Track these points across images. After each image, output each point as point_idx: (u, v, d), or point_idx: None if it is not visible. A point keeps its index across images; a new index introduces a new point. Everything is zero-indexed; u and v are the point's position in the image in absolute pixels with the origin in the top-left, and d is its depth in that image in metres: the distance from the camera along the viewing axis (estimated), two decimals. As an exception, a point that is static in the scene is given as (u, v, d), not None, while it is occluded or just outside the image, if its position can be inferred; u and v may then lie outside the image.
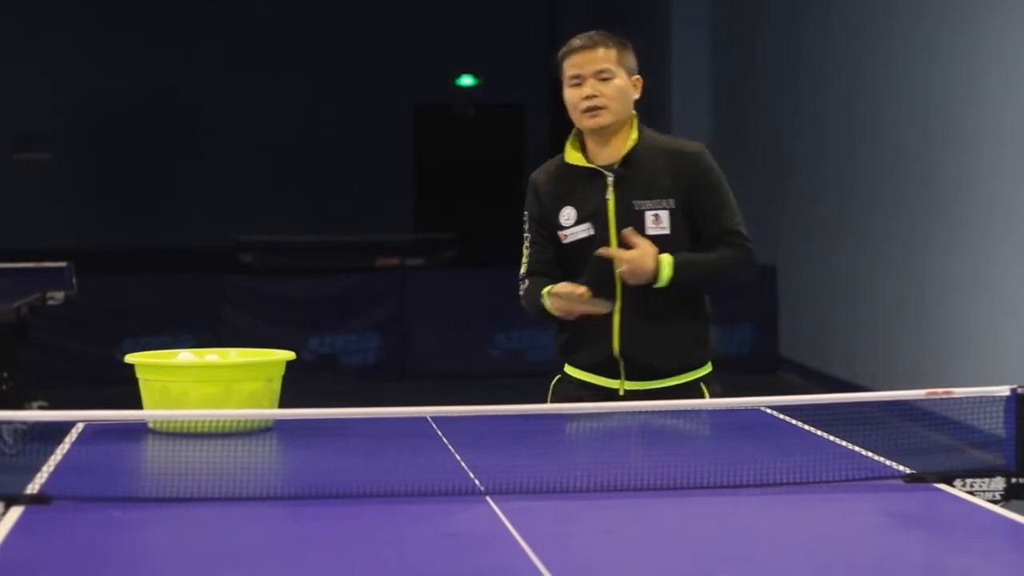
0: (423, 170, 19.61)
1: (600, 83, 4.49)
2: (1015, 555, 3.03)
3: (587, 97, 4.50)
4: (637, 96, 4.55)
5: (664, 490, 3.40)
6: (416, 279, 13.19)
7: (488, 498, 3.32)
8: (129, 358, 4.28)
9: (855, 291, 11.48)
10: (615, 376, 4.54)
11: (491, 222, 19.26)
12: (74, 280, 9.12)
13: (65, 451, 3.84)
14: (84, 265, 9.76)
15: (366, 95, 19.24)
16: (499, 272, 13.53)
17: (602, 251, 4.43)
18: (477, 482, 3.46)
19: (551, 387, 4.69)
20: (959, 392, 3.68)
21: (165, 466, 3.82)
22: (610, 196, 4.50)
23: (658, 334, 4.49)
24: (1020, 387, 3.57)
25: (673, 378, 4.52)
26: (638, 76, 4.56)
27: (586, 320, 4.49)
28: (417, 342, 12.42)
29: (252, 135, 19.26)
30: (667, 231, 4.46)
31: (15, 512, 3.17)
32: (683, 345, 4.52)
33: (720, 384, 4.63)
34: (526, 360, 12.28)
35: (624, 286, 4.47)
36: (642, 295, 4.46)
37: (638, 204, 4.47)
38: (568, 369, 4.66)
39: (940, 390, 3.66)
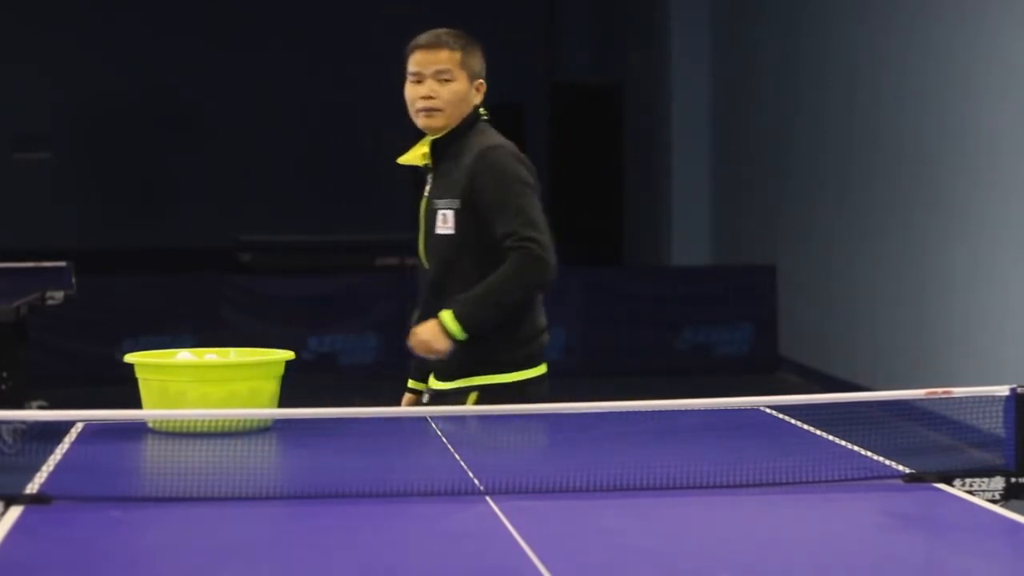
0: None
1: (438, 84, 4.51)
2: (1015, 555, 3.03)
3: (423, 97, 4.51)
4: (478, 100, 4.56)
5: (664, 490, 3.40)
6: (415, 279, 13.15)
7: (488, 498, 3.32)
8: (128, 358, 4.28)
9: (855, 291, 11.48)
10: (425, 379, 4.58)
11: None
12: (74, 280, 9.12)
13: (65, 451, 3.84)
14: (84, 265, 9.76)
15: (365, 94, 19.23)
16: (498, 272, 13.61)
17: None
18: (477, 482, 3.46)
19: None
20: (959, 392, 3.68)
21: (165, 466, 3.82)
22: (425, 194, 4.60)
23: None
24: (1020, 387, 3.57)
25: (457, 380, 4.46)
26: (481, 80, 4.57)
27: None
28: (416, 342, 12.41)
29: (252, 135, 19.25)
30: (452, 231, 4.50)
31: (15, 512, 3.17)
32: (465, 343, 4.42)
33: (496, 398, 4.43)
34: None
35: (424, 280, 4.57)
36: (435, 291, 4.50)
37: (435, 203, 4.55)
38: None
39: (940, 390, 3.66)
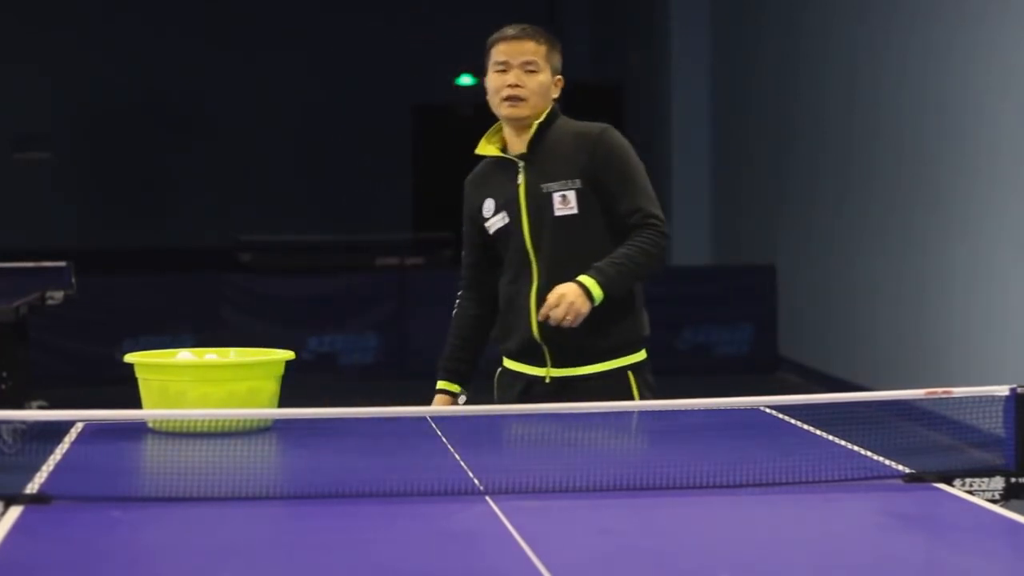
0: (422, 170, 19.60)
1: (525, 75, 4.56)
2: (1015, 555, 3.03)
3: (510, 85, 4.54)
4: (556, 96, 4.61)
5: (664, 490, 3.40)
6: (415, 279, 13.18)
7: (488, 498, 3.32)
8: (128, 358, 4.28)
9: (854, 291, 11.48)
10: (541, 363, 4.56)
11: (490, 222, 19.29)
12: (73, 280, 9.11)
13: (64, 451, 3.84)
14: (84, 265, 9.75)
15: (365, 94, 19.24)
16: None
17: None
18: (477, 482, 3.46)
19: (495, 380, 4.71)
20: (959, 392, 3.68)
21: (164, 466, 3.82)
22: (520, 182, 4.57)
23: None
24: (1020, 387, 3.57)
25: (602, 363, 4.52)
26: (560, 76, 4.64)
27: (510, 305, 4.57)
28: (416, 342, 12.41)
29: (252, 135, 19.25)
30: (575, 211, 4.51)
31: (14, 511, 3.17)
32: (606, 324, 4.49)
33: (652, 376, 4.61)
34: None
35: (540, 264, 4.52)
36: (557, 271, 4.47)
37: (545, 187, 4.53)
38: (504, 359, 4.68)
39: (940, 390, 3.66)
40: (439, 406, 4.65)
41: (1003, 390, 3.58)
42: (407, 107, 19.46)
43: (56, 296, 8.78)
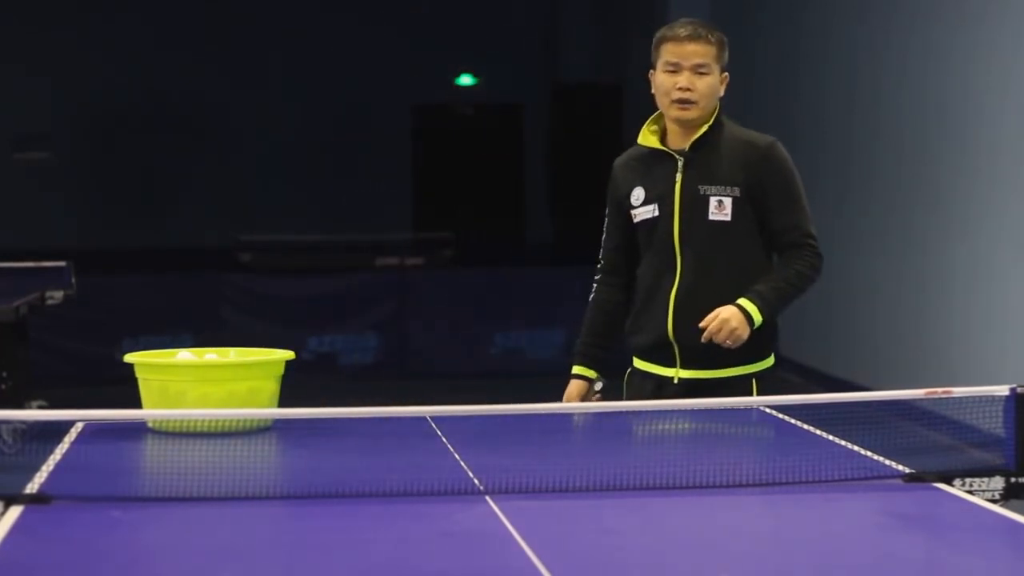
0: (422, 170, 19.59)
1: (696, 77, 4.53)
2: (1014, 555, 3.03)
3: (682, 88, 4.52)
4: (723, 92, 4.60)
5: (664, 490, 3.40)
6: (415, 279, 13.18)
7: (488, 498, 3.32)
8: (128, 358, 4.28)
9: (854, 291, 11.47)
10: (671, 363, 4.56)
11: (490, 222, 19.27)
12: (73, 280, 9.12)
13: (64, 451, 3.84)
14: (83, 265, 9.75)
15: (365, 94, 19.23)
16: (498, 271, 13.60)
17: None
18: (477, 482, 3.46)
19: (624, 381, 4.72)
20: (959, 392, 3.68)
21: (164, 466, 3.82)
22: (678, 179, 4.56)
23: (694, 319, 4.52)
24: (1020, 387, 3.57)
25: (730, 369, 4.53)
26: (727, 74, 4.61)
27: (648, 300, 4.59)
28: (416, 342, 12.42)
29: (252, 135, 19.24)
30: (728, 218, 4.52)
31: (14, 511, 3.17)
32: None
33: (777, 383, 4.61)
34: (525, 360, 12.28)
35: (684, 263, 4.53)
36: (702, 273, 4.50)
37: (704, 189, 4.53)
38: (634, 359, 4.69)
39: (940, 390, 3.66)
40: (573, 393, 4.67)
41: (1003, 390, 3.58)
42: (407, 107, 19.46)
43: (56, 296, 8.79)
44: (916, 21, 10.46)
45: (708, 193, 4.51)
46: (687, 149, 4.55)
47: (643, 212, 4.61)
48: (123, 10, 18.90)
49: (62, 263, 9.33)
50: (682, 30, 4.57)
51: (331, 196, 19.34)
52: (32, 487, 3.35)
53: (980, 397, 3.67)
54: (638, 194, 4.63)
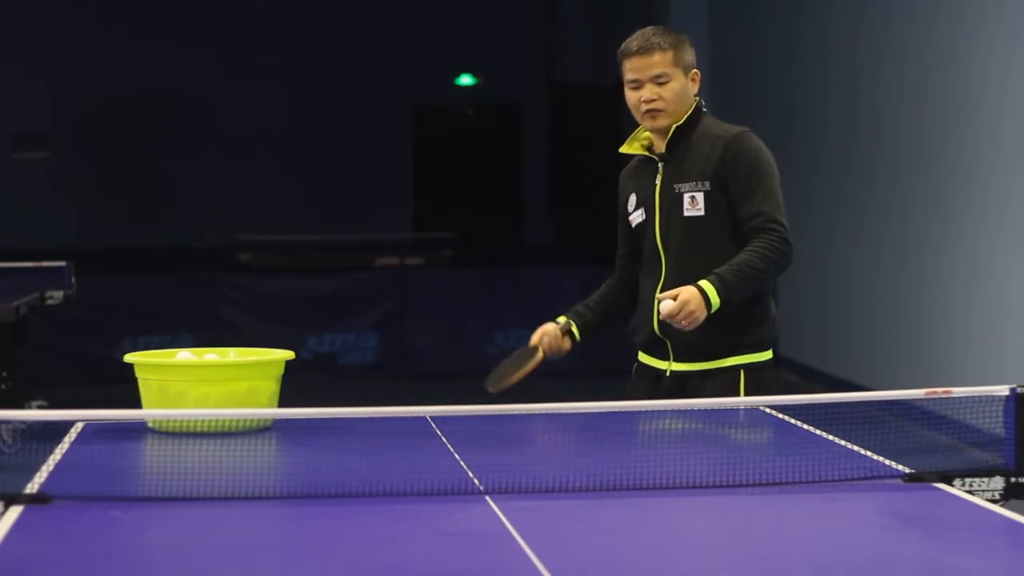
0: (422, 169, 19.60)
1: (658, 87, 4.59)
2: (1014, 555, 3.03)
3: (646, 100, 4.58)
4: (696, 89, 4.64)
5: (664, 490, 3.40)
6: (415, 278, 13.18)
7: (487, 498, 3.32)
8: (128, 357, 4.28)
9: (854, 290, 11.48)
10: (665, 357, 4.65)
11: (489, 222, 19.28)
12: (73, 279, 9.12)
13: (64, 450, 3.84)
14: (83, 264, 9.75)
15: (365, 94, 19.24)
16: (498, 271, 13.60)
17: (660, 314, 4.46)
18: (476, 482, 3.46)
19: (632, 372, 4.83)
20: (959, 392, 3.68)
21: (164, 465, 3.82)
22: (658, 181, 4.64)
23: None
24: (1020, 387, 3.57)
25: (717, 361, 4.57)
26: (696, 70, 4.66)
27: (641, 300, 4.69)
28: (416, 341, 12.42)
29: (251, 134, 19.25)
30: (702, 212, 4.58)
31: (14, 511, 3.17)
32: (726, 322, 4.51)
33: (773, 377, 4.63)
34: (525, 359, 12.26)
35: (667, 262, 4.61)
36: (682, 270, 4.55)
37: (678, 187, 4.61)
38: (638, 352, 4.79)
39: (940, 390, 3.66)
40: (544, 329, 4.92)
41: (1003, 390, 3.59)
42: (407, 107, 19.47)
43: (56, 296, 8.79)
44: (916, 21, 10.46)
45: (682, 190, 4.59)
46: (664, 151, 4.63)
47: (636, 217, 4.73)
48: (123, 10, 18.91)
49: (62, 263, 9.33)
50: (634, 43, 4.64)
51: (331, 196, 19.34)
52: (32, 487, 3.35)
53: (980, 397, 3.67)
54: (632, 200, 4.75)
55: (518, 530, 3.06)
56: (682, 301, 4.40)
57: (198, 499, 3.30)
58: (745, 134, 4.60)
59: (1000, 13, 9.25)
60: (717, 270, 4.45)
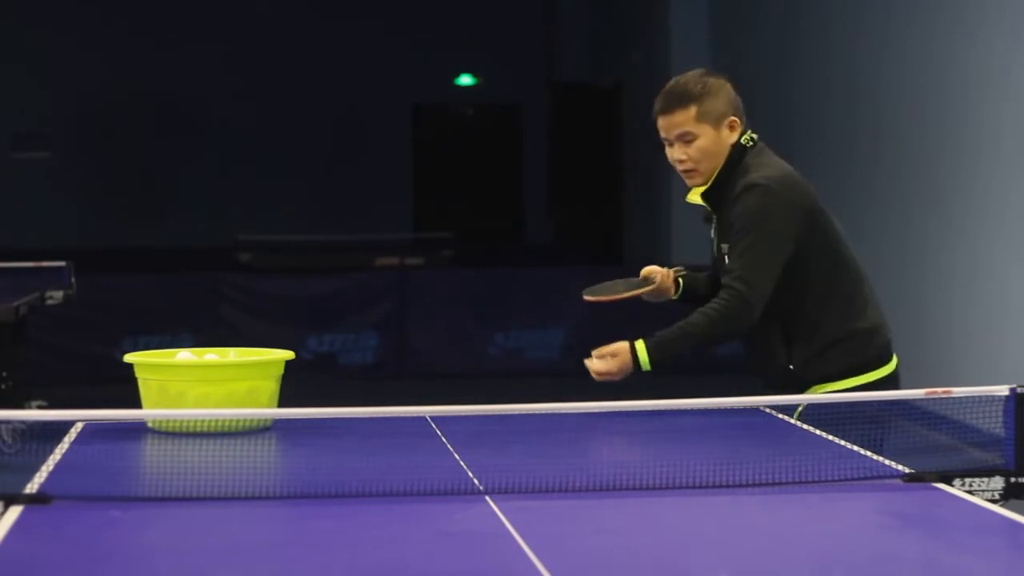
0: (422, 169, 19.60)
1: (684, 146, 4.42)
2: (1014, 555, 3.03)
3: (678, 160, 4.44)
4: (733, 138, 4.44)
5: (664, 490, 3.40)
6: (415, 278, 13.18)
7: (487, 498, 3.32)
8: (128, 357, 4.27)
9: (854, 291, 11.46)
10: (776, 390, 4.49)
11: (489, 222, 19.28)
12: (73, 279, 9.12)
13: (64, 450, 3.84)
14: (83, 264, 9.75)
15: (365, 94, 19.24)
16: (498, 271, 13.61)
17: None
18: (476, 482, 3.46)
19: None
20: (959, 392, 3.68)
21: (164, 465, 3.82)
22: (713, 235, 4.55)
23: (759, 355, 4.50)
24: (1020, 387, 3.57)
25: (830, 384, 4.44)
26: (733, 118, 4.45)
27: None
28: (416, 341, 12.42)
29: (251, 134, 19.25)
30: None
31: (14, 511, 3.17)
32: (816, 352, 4.42)
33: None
34: (524, 359, 12.28)
35: None
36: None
37: (722, 247, 4.48)
38: None
39: (940, 390, 3.66)
40: (658, 268, 4.69)
41: (1003, 390, 3.59)
42: (407, 107, 19.47)
43: (56, 296, 8.79)
44: (916, 21, 10.46)
45: (724, 251, 4.47)
46: (708, 205, 4.50)
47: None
48: (123, 9, 18.90)
49: (62, 263, 9.33)
50: (660, 101, 4.45)
51: (331, 196, 19.34)
52: (32, 487, 3.35)
53: (980, 397, 3.67)
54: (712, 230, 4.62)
55: (518, 530, 3.06)
56: (606, 368, 4.30)
57: (198, 499, 3.30)
58: (751, 189, 4.38)
59: (1000, 13, 9.25)
60: (658, 332, 4.32)
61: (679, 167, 4.44)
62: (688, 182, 4.48)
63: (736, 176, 4.42)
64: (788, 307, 4.42)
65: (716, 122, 4.42)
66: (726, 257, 4.43)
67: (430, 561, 2.89)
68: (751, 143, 4.48)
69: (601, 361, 4.34)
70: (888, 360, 4.60)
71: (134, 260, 15.82)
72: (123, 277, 12.93)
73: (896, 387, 4.55)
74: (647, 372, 4.31)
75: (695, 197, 4.52)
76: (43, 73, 18.78)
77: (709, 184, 4.44)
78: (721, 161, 4.43)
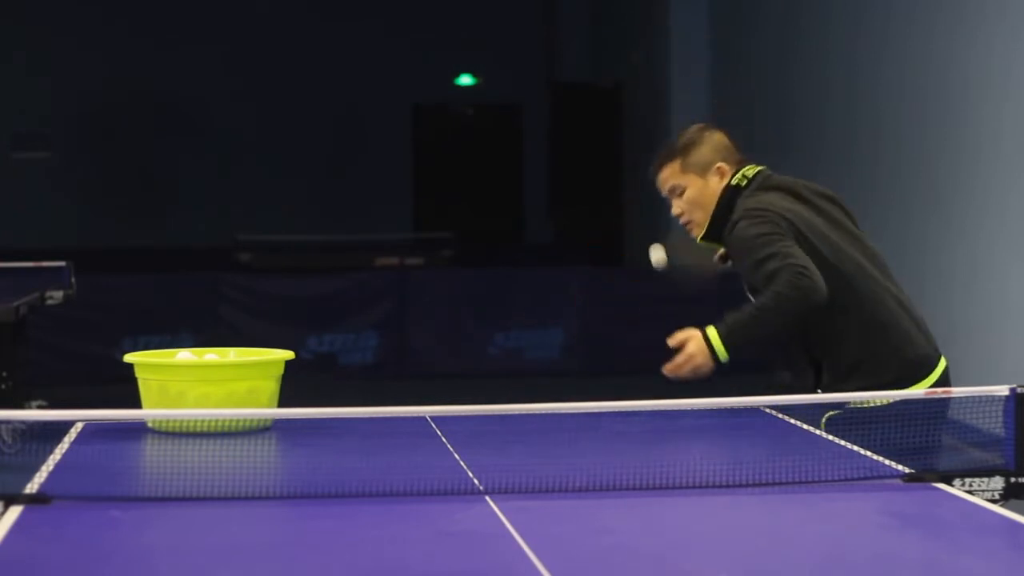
0: (422, 169, 19.60)
1: (677, 199, 4.54)
2: (1014, 555, 3.03)
3: (676, 215, 4.58)
4: (724, 182, 4.48)
5: (664, 490, 3.40)
6: (415, 278, 13.18)
7: (487, 497, 3.32)
8: (128, 357, 4.28)
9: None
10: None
11: (489, 222, 19.28)
12: (73, 279, 9.12)
13: (64, 450, 3.84)
14: (83, 264, 9.75)
15: (365, 94, 19.24)
16: (498, 271, 13.61)
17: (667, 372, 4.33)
18: (476, 481, 3.46)
19: None
20: (959, 392, 3.68)
21: (164, 465, 3.82)
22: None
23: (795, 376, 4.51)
24: (1020, 387, 3.57)
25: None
26: (718, 164, 4.49)
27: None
28: (416, 341, 12.42)
29: (251, 134, 19.24)
30: None
31: (14, 511, 3.17)
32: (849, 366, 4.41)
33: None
34: (524, 359, 12.28)
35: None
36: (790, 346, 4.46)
37: (745, 285, 4.50)
38: None
39: (940, 390, 3.66)
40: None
41: (1003, 390, 3.59)
42: (407, 107, 19.46)
43: (56, 296, 8.79)
44: (916, 21, 10.46)
45: (746, 290, 4.48)
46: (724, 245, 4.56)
47: None
48: (123, 9, 18.90)
49: (62, 263, 9.33)
50: (653, 163, 4.58)
51: (331, 196, 19.34)
52: (32, 487, 3.35)
53: (980, 397, 3.67)
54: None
55: (518, 530, 3.06)
56: (688, 355, 4.25)
57: (198, 499, 3.30)
58: (734, 226, 4.40)
59: (1000, 13, 9.25)
60: (728, 318, 4.29)
61: (680, 221, 4.58)
62: (692, 235, 4.59)
63: (730, 222, 4.47)
64: (806, 332, 4.42)
65: (702, 171, 4.50)
66: (750, 296, 4.43)
67: (430, 561, 2.89)
68: (744, 181, 4.49)
69: (687, 357, 4.27)
70: (923, 375, 4.52)
71: (134, 260, 15.81)
72: (123, 277, 12.92)
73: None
74: (724, 363, 4.25)
75: (711, 243, 4.62)
76: (43, 73, 18.78)
77: (705, 230, 4.50)
78: (712, 207, 4.49)
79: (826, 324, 4.39)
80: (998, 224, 9.25)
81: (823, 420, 4.29)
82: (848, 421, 4.12)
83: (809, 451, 3.74)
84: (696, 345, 4.25)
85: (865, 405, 4.25)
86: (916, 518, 3.28)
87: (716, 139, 4.56)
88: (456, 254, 16.12)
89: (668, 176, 4.53)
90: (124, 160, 19.24)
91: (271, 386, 4.24)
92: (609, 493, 3.39)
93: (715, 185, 4.48)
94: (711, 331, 4.26)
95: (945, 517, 3.29)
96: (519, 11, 19.51)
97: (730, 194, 4.47)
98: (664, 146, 4.59)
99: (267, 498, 3.35)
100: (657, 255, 4.76)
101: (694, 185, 4.49)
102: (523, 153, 19.65)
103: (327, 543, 3.02)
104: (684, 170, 4.50)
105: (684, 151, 4.53)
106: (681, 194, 4.50)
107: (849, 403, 4.27)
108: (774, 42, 13.33)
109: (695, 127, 4.62)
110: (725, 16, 14.47)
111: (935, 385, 4.48)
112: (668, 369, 4.30)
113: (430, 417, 4.22)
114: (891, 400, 4.16)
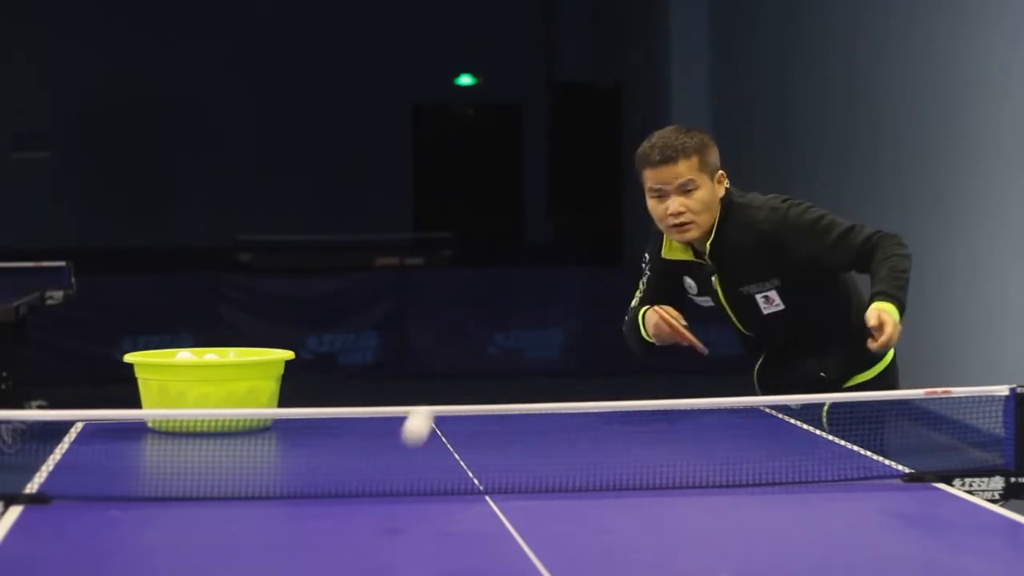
0: (422, 169, 19.60)
1: (684, 196, 4.33)
2: (1014, 555, 3.03)
3: (674, 214, 4.34)
4: (722, 192, 4.40)
5: (664, 490, 3.40)
6: (415, 278, 13.18)
7: (487, 497, 3.32)
8: (128, 357, 4.28)
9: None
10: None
11: (489, 222, 19.28)
12: (73, 279, 9.12)
13: (64, 450, 3.84)
14: (83, 264, 9.75)
15: (365, 94, 19.24)
16: (498, 271, 13.61)
17: (874, 347, 4.23)
18: (476, 481, 3.46)
19: None
20: (958, 392, 3.68)
21: (164, 466, 3.82)
22: (716, 284, 4.46)
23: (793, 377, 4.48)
24: (1019, 387, 3.57)
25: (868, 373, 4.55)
26: (721, 172, 4.41)
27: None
28: (416, 341, 12.42)
29: (251, 135, 19.25)
30: (782, 307, 4.41)
31: (14, 511, 3.17)
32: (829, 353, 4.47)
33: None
34: (524, 359, 12.28)
35: (772, 345, 4.51)
36: (787, 351, 4.48)
37: (745, 289, 4.42)
38: None
39: (940, 390, 3.66)
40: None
41: (1003, 390, 3.59)
42: (407, 107, 19.46)
43: (56, 296, 8.79)
44: (916, 21, 10.46)
45: (751, 292, 4.42)
46: (710, 257, 4.42)
47: (701, 300, 4.55)
48: (123, 9, 18.90)
49: (62, 263, 9.33)
50: (656, 154, 4.33)
51: (331, 196, 19.34)
52: (32, 487, 3.35)
53: (980, 397, 3.67)
54: (690, 283, 4.53)
55: (518, 530, 3.06)
56: (892, 332, 4.19)
57: (198, 499, 3.30)
58: (777, 211, 4.39)
59: (1000, 13, 9.25)
60: (881, 287, 4.24)
61: (674, 220, 4.33)
62: (678, 237, 4.39)
63: (735, 223, 4.39)
64: (820, 315, 4.45)
65: (712, 174, 4.38)
66: (757, 297, 4.41)
67: (430, 561, 2.89)
68: (730, 194, 4.45)
69: (894, 328, 4.21)
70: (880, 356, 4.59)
71: (134, 260, 15.81)
72: (123, 277, 12.92)
73: (896, 372, 4.65)
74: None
75: (678, 254, 4.46)
76: (43, 73, 18.77)
77: (712, 236, 4.38)
78: (715, 215, 4.38)
79: (840, 302, 4.51)
80: (998, 224, 9.24)
81: (824, 411, 4.30)
82: (850, 414, 4.10)
83: (809, 451, 3.74)
84: (893, 320, 4.18)
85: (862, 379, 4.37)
86: (916, 518, 3.28)
87: (715, 144, 4.50)
88: (456, 254, 16.12)
89: (684, 171, 4.31)
90: (124, 160, 19.24)
91: (271, 386, 4.23)
92: (609, 493, 3.39)
93: (719, 191, 4.40)
94: (892, 307, 4.19)
95: (945, 517, 3.29)
96: (519, 11, 19.51)
97: (726, 202, 4.42)
98: (671, 140, 4.35)
99: (267, 498, 3.35)
100: (416, 426, 4.20)
101: (706, 186, 4.35)
102: (523, 153, 19.65)
103: (327, 543, 3.02)
104: (701, 168, 4.35)
105: (701, 149, 4.36)
106: (691, 192, 4.33)
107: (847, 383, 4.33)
108: (774, 42, 13.33)
109: (697, 130, 4.48)
110: (725, 16, 14.47)
111: (886, 369, 4.61)
112: (881, 343, 4.21)
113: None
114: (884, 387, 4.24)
